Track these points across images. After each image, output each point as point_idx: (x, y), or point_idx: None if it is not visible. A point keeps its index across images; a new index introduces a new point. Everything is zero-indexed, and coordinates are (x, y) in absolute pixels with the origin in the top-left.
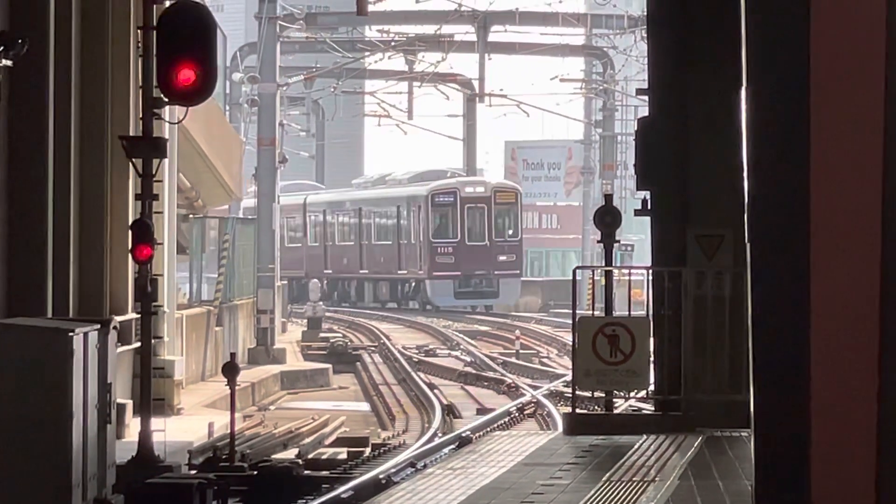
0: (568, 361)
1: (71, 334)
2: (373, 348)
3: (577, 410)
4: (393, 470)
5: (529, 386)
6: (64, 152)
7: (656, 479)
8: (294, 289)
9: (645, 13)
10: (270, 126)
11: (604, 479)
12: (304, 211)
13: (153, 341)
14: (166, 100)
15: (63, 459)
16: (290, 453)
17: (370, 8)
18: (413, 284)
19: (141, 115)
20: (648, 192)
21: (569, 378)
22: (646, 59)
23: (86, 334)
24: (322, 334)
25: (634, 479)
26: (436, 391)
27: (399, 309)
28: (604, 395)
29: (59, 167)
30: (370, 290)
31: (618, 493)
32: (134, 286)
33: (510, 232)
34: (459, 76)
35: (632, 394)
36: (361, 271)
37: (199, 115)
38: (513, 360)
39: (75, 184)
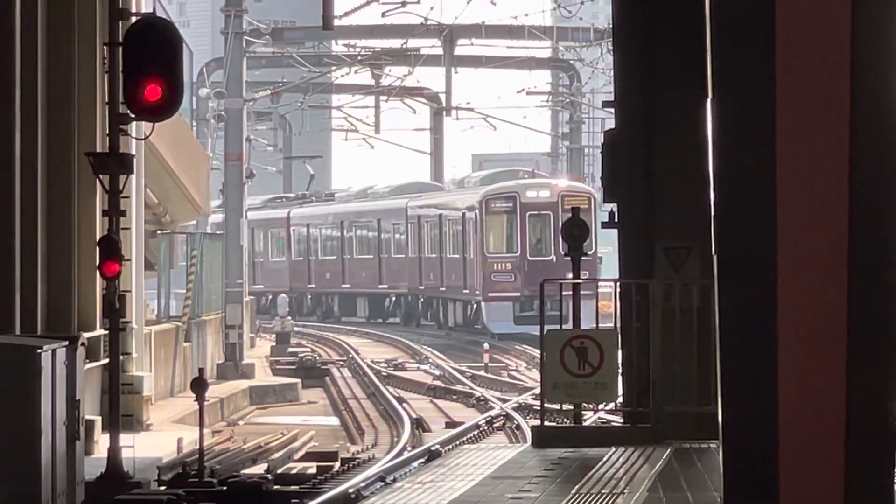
0: (536, 374)
1: (39, 351)
2: (342, 363)
3: (546, 423)
4: (362, 484)
5: (498, 399)
6: (31, 169)
7: (625, 491)
8: (402, 306)
9: (611, 26)
10: (237, 141)
11: (573, 491)
12: (406, 216)
13: (121, 357)
14: (133, 116)
15: (32, 476)
16: (260, 468)
17: (336, 23)
18: (475, 307)
19: (108, 132)
20: (615, 205)
21: (537, 391)
22: (612, 71)
23: (54, 351)
24: (291, 349)
25: (603, 491)
26: (405, 405)
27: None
28: (572, 407)
29: (25, 184)
30: (453, 312)
31: None
32: (102, 302)
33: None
34: (426, 90)
35: (600, 406)
36: (441, 289)
37: (165, 130)
38: (482, 373)
39: (42, 200)
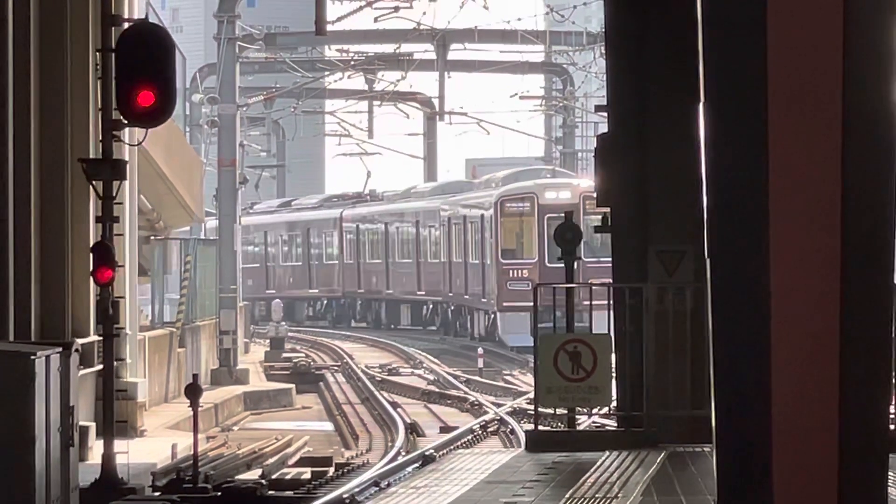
0: (531, 378)
1: (33, 357)
2: (336, 368)
3: (540, 427)
4: (357, 489)
5: (492, 403)
6: (24, 175)
7: (619, 495)
8: (440, 314)
9: (603, 30)
10: (231, 147)
11: (566, 496)
12: (439, 218)
13: (115, 363)
14: (126, 122)
15: (26, 483)
16: (254, 474)
17: (329, 28)
18: (492, 317)
19: (101, 138)
20: (609, 209)
21: (531, 395)
22: (605, 75)
23: (48, 357)
24: (285, 354)
25: (597, 495)
26: (399, 410)
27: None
28: (566, 411)
29: (19, 190)
30: (477, 322)
31: None
32: (96, 309)
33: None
34: (419, 94)
35: (594, 410)
36: (466, 297)
37: (159, 136)
38: (476, 377)
39: (36, 207)
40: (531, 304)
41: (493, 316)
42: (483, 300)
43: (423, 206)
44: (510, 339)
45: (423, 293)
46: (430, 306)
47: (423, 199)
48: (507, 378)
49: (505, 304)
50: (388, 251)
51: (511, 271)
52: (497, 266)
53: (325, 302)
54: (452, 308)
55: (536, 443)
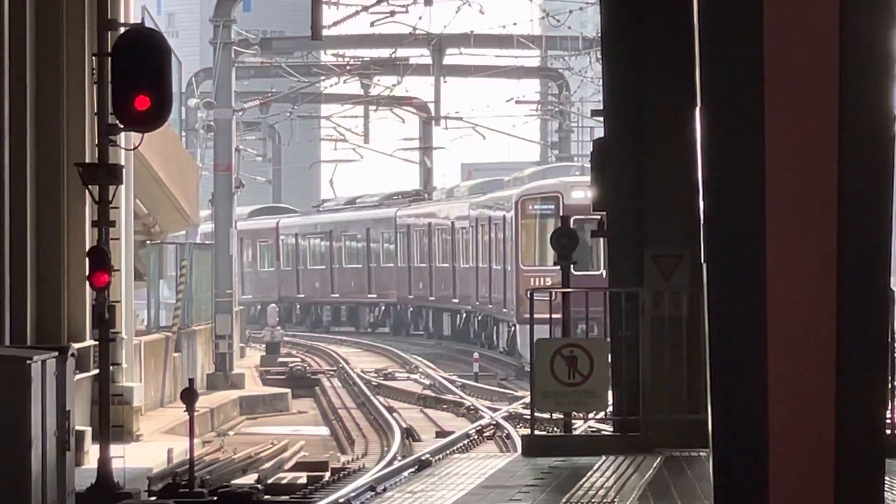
0: (527, 383)
1: (29, 362)
2: (332, 372)
3: (536, 432)
4: (352, 494)
5: (488, 408)
6: (20, 180)
7: (615, 500)
8: (474, 324)
9: (599, 35)
10: (227, 151)
11: (563, 500)
12: (469, 220)
13: (111, 368)
14: (122, 126)
15: (22, 487)
16: (250, 478)
17: (325, 32)
18: (512, 329)
19: (97, 142)
20: (605, 213)
21: (528, 400)
22: (601, 80)
23: (44, 362)
24: (281, 359)
25: (594, 500)
26: (395, 414)
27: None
28: (562, 416)
29: (15, 194)
30: (503, 335)
31: None
32: (92, 313)
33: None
34: (415, 99)
35: (590, 415)
36: (489, 306)
37: (155, 141)
38: (472, 382)
39: (32, 211)
40: (555, 315)
41: (513, 328)
42: (505, 310)
43: (455, 206)
44: (528, 353)
45: (457, 301)
46: (464, 315)
47: (459, 200)
48: (503, 382)
49: (525, 315)
50: (430, 254)
51: (532, 279)
52: (517, 273)
53: (383, 308)
54: (479, 318)
55: (533, 447)
